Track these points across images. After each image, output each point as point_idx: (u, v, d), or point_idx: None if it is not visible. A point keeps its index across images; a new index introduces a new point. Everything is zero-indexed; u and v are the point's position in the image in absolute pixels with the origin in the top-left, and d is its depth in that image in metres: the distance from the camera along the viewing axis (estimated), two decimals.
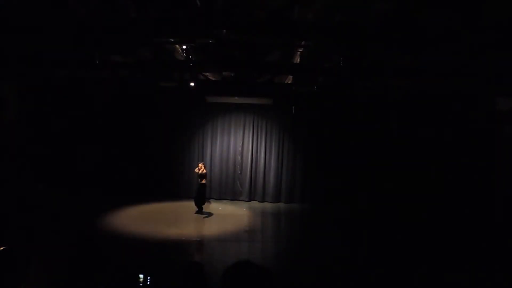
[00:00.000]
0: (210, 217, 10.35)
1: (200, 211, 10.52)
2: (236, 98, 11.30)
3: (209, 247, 8.21)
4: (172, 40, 6.90)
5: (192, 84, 10.24)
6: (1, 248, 1.94)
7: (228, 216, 10.65)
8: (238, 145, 12.90)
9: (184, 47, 7.90)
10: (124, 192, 11.89)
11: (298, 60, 8.31)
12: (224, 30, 5.72)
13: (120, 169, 12.24)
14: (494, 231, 8.56)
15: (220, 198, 12.72)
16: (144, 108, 12.50)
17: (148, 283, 2.92)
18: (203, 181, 10.36)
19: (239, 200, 12.69)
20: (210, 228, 9.48)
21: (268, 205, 12.41)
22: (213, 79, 10.87)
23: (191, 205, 10.61)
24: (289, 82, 10.44)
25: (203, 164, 10.60)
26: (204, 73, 10.51)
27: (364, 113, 12.09)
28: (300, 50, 7.83)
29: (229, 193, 12.84)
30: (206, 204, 11.01)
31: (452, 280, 6.16)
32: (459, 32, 5.79)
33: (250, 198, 12.77)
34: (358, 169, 11.94)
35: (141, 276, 2.90)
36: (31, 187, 10.70)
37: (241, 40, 7.01)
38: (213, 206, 11.68)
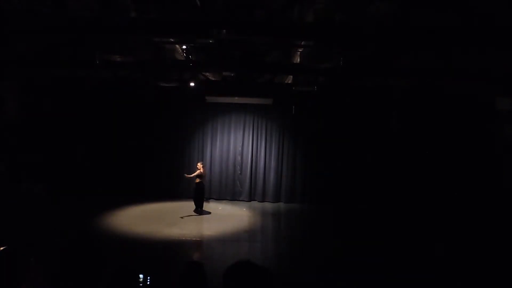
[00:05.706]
0: (210, 217, 10.35)
1: (200, 210, 10.51)
2: (236, 98, 11.30)
3: (209, 247, 8.21)
4: (172, 40, 6.91)
5: (192, 84, 10.25)
6: (1, 248, 1.93)
7: (228, 216, 10.65)
8: (238, 145, 12.89)
9: (184, 47, 7.91)
10: (124, 192, 11.89)
11: (298, 60, 8.31)
12: (224, 30, 5.72)
13: (120, 169, 12.24)
14: (493, 231, 8.55)
15: (220, 198, 12.71)
16: (144, 108, 12.49)
17: (148, 283, 2.92)
18: (198, 180, 10.34)
19: (239, 200, 12.68)
20: (210, 228, 9.48)
21: (268, 205, 12.40)
22: (213, 79, 10.87)
23: (191, 205, 10.60)
24: (289, 82, 10.44)
25: (202, 163, 10.58)
26: (204, 73, 10.52)
27: (365, 113, 12.09)
28: (300, 50, 7.84)
29: (229, 193, 12.82)
30: (206, 204, 11.00)
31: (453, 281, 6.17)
32: (459, 32, 5.79)
33: (250, 198, 12.76)
34: (359, 169, 11.94)
35: (141, 276, 2.90)
36: (30, 187, 10.70)
37: (241, 40, 7.02)
38: (213, 206, 11.68)
